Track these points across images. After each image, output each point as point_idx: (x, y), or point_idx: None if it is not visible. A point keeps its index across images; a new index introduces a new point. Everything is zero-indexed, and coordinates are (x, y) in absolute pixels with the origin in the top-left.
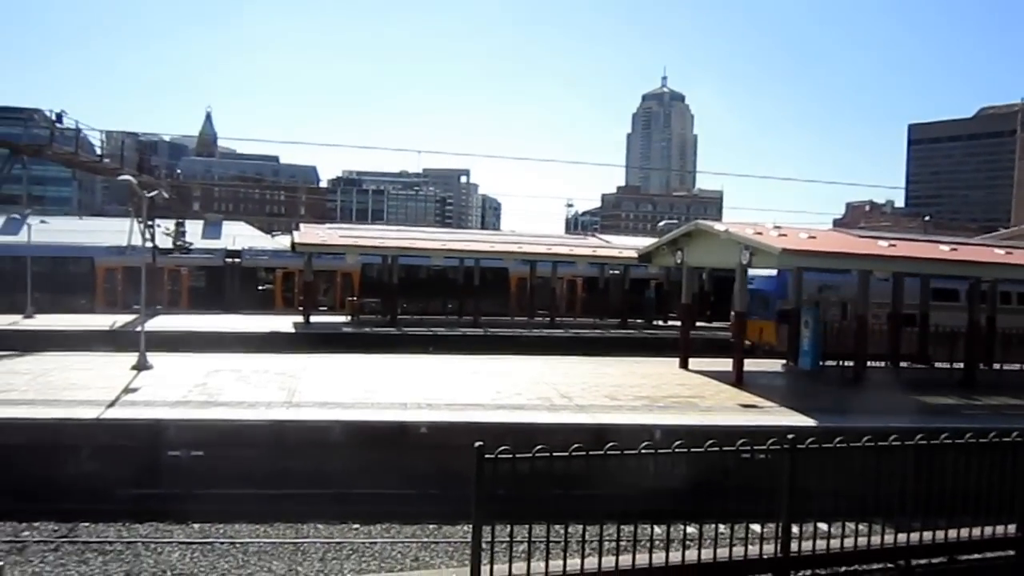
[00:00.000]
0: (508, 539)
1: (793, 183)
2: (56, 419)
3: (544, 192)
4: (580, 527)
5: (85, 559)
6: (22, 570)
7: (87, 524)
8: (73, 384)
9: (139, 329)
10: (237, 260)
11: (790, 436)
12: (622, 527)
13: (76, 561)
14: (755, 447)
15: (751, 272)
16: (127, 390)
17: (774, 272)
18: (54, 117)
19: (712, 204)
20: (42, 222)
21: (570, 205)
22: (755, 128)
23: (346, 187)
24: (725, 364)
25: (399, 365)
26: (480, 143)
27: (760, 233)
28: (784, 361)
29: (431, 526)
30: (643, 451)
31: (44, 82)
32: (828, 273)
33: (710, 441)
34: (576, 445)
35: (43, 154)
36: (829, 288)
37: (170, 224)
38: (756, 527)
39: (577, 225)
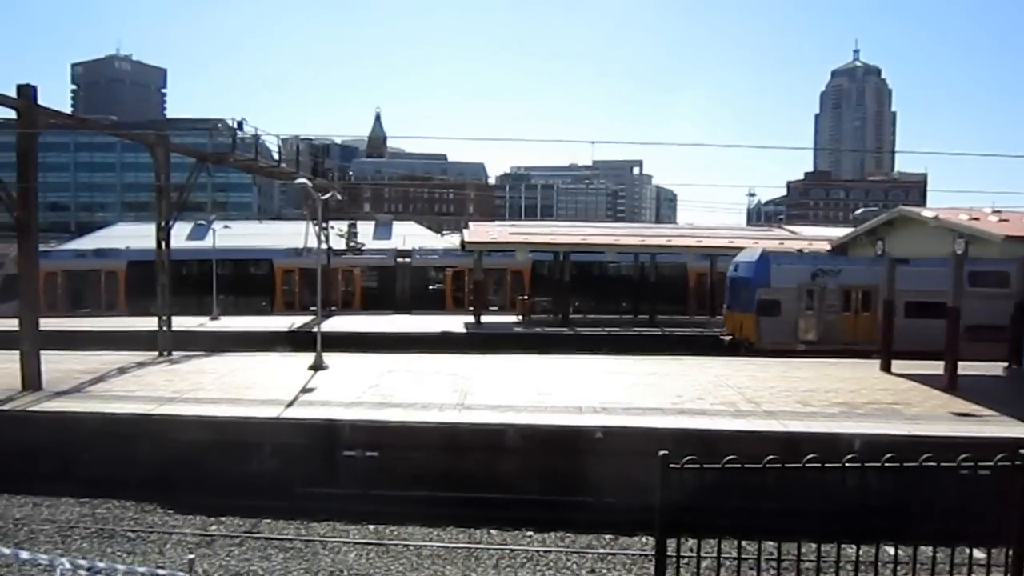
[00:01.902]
0: (694, 553)
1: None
2: (240, 417)
3: (722, 181)
4: (774, 544)
5: (267, 555)
6: (210, 563)
7: (269, 520)
8: (255, 384)
9: (315, 330)
10: (408, 260)
11: (1022, 451)
12: (822, 546)
13: (259, 556)
14: (979, 463)
15: (737, 258)
16: (304, 390)
17: (755, 256)
18: (235, 126)
19: (914, 188)
20: (225, 227)
21: (752, 194)
22: (962, 100)
23: (514, 183)
24: (934, 368)
25: (572, 367)
26: (653, 132)
27: (976, 219)
28: (1006, 364)
29: (608, 536)
30: (847, 464)
31: (222, 92)
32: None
33: (925, 455)
34: (769, 457)
35: (226, 161)
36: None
37: (343, 225)
38: (979, 553)
39: (760, 216)
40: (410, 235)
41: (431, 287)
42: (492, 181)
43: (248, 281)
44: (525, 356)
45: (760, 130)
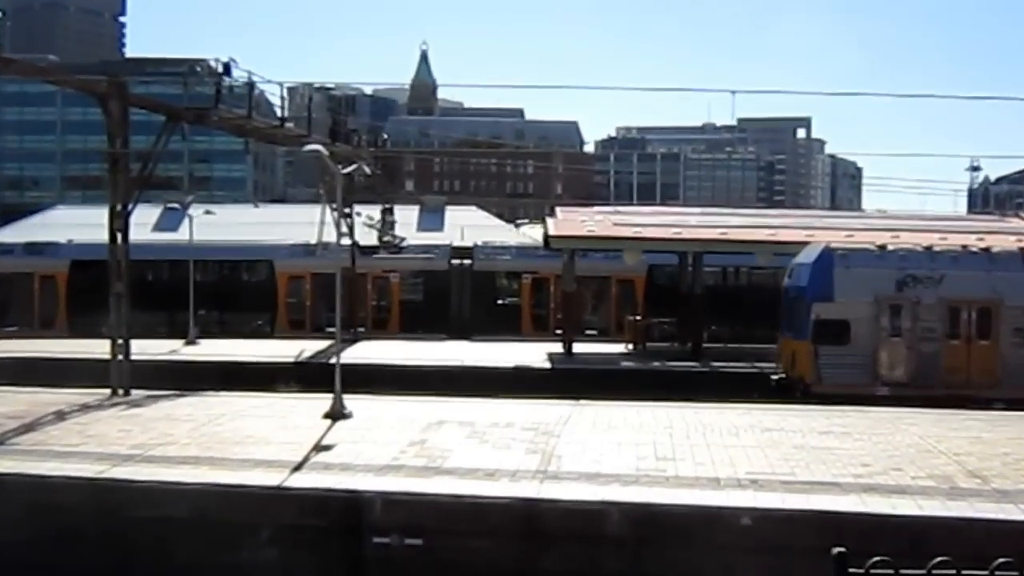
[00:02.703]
0: None
1: None
2: (226, 486)
3: (929, 148)
4: None
5: None
6: None
7: None
8: (248, 437)
9: (334, 361)
10: (467, 262)
11: None
12: None
13: None
14: None
15: (796, 259)
16: (318, 448)
17: (813, 256)
18: (221, 69)
19: None
20: (207, 212)
21: (975, 168)
22: None
23: (622, 151)
24: None
25: (706, 420)
26: (823, 79)
27: None
28: None
29: None
30: None
31: (203, 21)
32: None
33: None
34: (1002, 560)
35: (208, 120)
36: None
37: (375, 212)
38: None
39: (988, 199)
40: (471, 225)
41: (501, 301)
42: (590, 148)
43: (239, 290)
44: (637, 404)
45: (981, 82)
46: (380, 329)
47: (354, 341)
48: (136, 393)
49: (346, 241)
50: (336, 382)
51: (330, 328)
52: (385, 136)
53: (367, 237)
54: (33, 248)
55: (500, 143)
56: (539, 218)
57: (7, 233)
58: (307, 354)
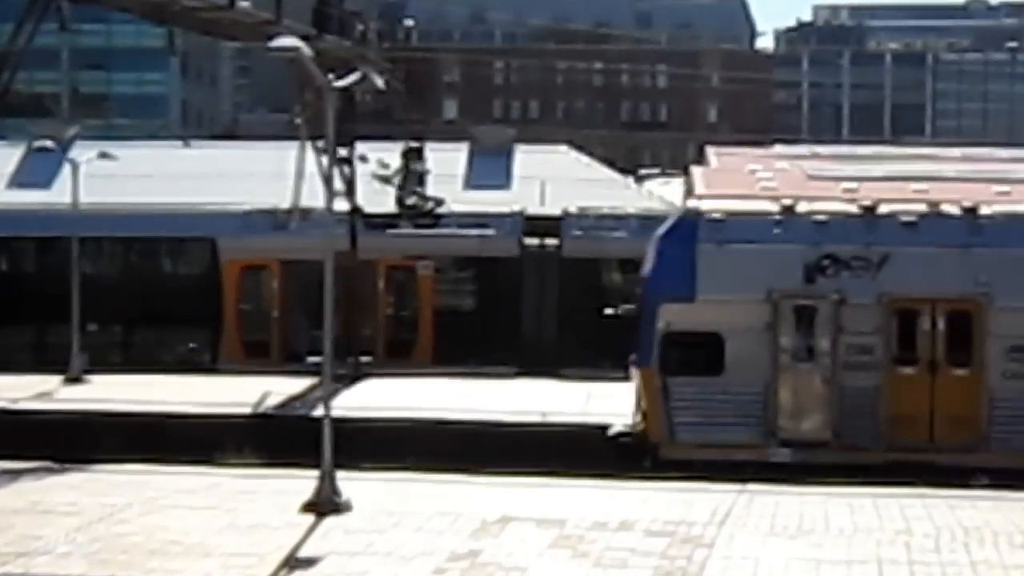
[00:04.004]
0: None
1: None
2: None
3: None
4: None
5: None
6: None
7: None
8: (171, 544)
9: (319, 414)
10: (553, 242)
11: None
12: None
13: None
14: None
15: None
16: (291, 565)
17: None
18: None
19: None
20: (102, 156)
21: None
22: None
23: (823, 46)
24: None
25: (969, 520)
26: None
27: None
28: None
29: None
30: None
31: None
32: None
33: None
34: None
35: None
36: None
37: (391, 154)
38: None
39: None
40: (558, 178)
41: (611, 310)
42: (766, 43)
43: (158, 291)
44: (845, 489)
45: None
46: (400, 357)
47: (355, 379)
48: None
49: (341, 205)
50: (324, 450)
51: (313, 356)
52: (409, 22)
53: (378, 199)
54: None
55: (609, 33)
56: (677, 166)
57: None
58: (273, 401)
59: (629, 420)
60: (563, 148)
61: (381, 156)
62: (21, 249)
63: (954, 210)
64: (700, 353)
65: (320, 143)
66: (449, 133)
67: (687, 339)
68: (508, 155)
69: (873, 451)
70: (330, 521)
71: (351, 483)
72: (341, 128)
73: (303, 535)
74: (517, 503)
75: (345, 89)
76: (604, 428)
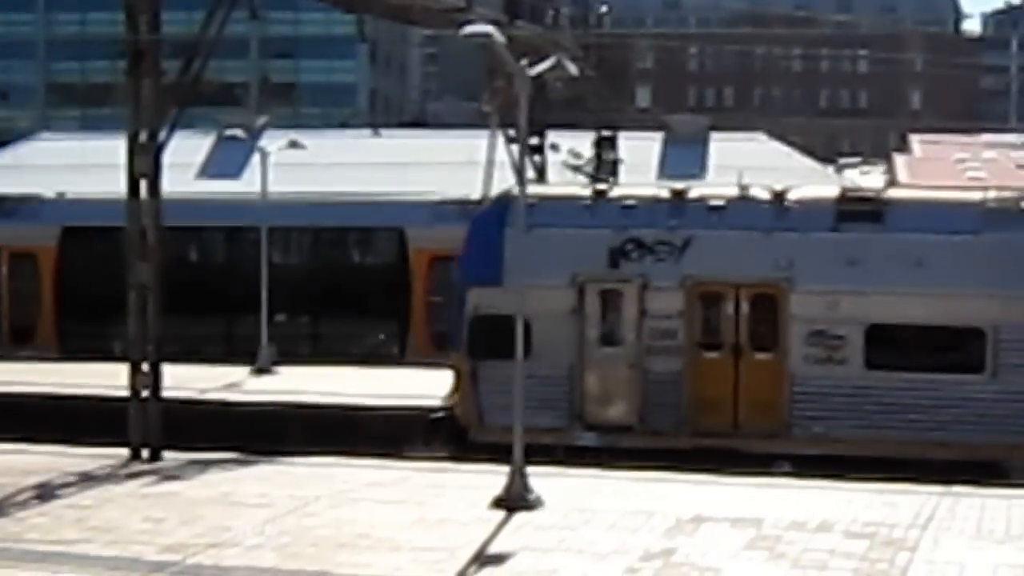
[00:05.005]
0: None
1: None
2: None
3: None
4: None
5: None
6: None
7: None
8: (361, 537)
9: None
10: None
11: None
12: None
13: None
14: None
15: None
16: (481, 559)
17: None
18: None
19: None
20: (291, 145)
21: None
22: None
23: None
24: None
25: None
26: None
27: None
28: None
29: None
30: None
31: None
32: None
33: None
34: None
35: None
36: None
37: (583, 143)
38: None
39: None
40: (755, 168)
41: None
42: (973, 26)
43: (346, 282)
44: None
45: None
46: None
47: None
48: (170, 456)
49: (535, 189)
50: (515, 445)
51: None
52: (603, 9)
53: (572, 186)
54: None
55: (809, 17)
56: (878, 154)
57: None
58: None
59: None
60: (760, 136)
61: (573, 145)
62: (210, 238)
63: (762, 194)
64: (507, 337)
65: (511, 131)
66: (642, 121)
67: (495, 323)
68: (703, 144)
69: (678, 436)
70: (520, 517)
71: (542, 479)
72: (532, 116)
73: (493, 530)
74: (711, 502)
75: (537, 76)
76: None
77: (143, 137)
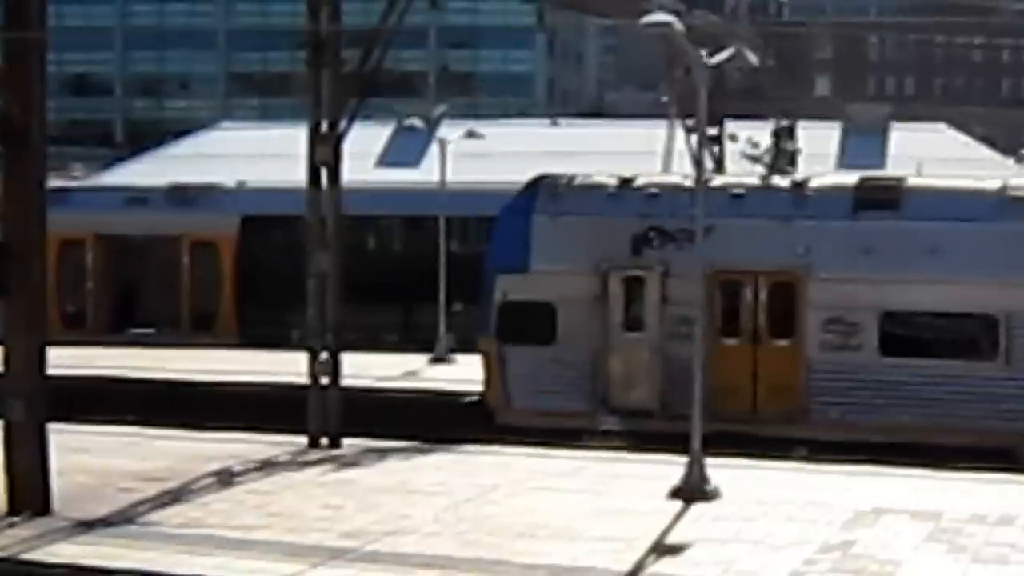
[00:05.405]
0: None
1: None
2: None
3: None
4: None
5: None
6: None
7: None
8: (538, 527)
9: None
10: None
11: None
12: None
13: None
14: None
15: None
16: (658, 550)
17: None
18: None
19: None
20: (470, 135)
21: None
22: None
23: None
24: None
25: None
26: None
27: None
28: None
29: None
30: None
31: None
32: None
33: None
34: None
35: None
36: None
37: (762, 133)
38: None
39: None
40: (934, 159)
41: None
42: None
43: None
44: None
45: None
46: None
47: None
48: (349, 444)
49: (715, 180)
50: (693, 435)
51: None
52: None
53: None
54: (181, 195)
55: (993, 6)
56: None
57: (138, 169)
58: None
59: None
60: (941, 126)
61: (751, 135)
62: (389, 228)
63: (782, 182)
64: (534, 323)
65: (689, 121)
66: (821, 111)
67: (522, 309)
68: (883, 134)
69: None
70: (698, 508)
71: (719, 470)
72: (711, 106)
73: (671, 521)
74: (889, 494)
75: (716, 66)
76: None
77: (324, 127)
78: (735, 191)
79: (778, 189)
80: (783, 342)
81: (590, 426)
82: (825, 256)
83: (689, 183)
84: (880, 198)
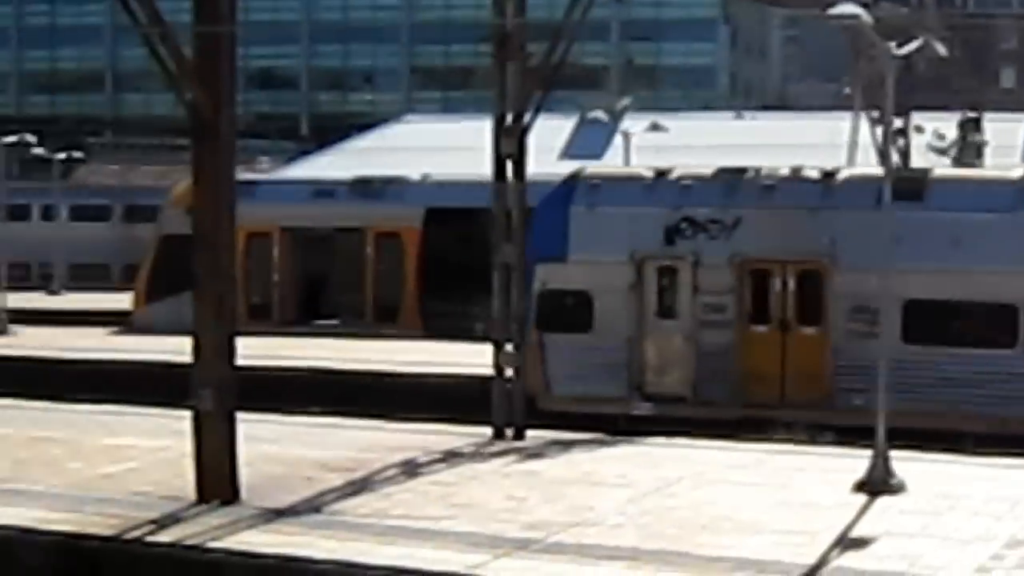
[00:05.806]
0: None
1: None
2: None
3: None
4: None
5: None
6: None
7: None
8: (722, 519)
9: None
10: None
11: None
12: None
13: None
14: None
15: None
16: (843, 543)
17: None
18: None
19: None
20: (653, 128)
21: None
22: None
23: None
24: None
25: None
26: None
27: None
28: None
29: None
30: None
31: None
32: None
33: None
34: None
35: None
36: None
37: (948, 125)
38: None
39: None
40: None
41: None
42: None
43: None
44: None
45: None
46: None
47: None
48: (533, 436)
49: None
50: (878, 428)
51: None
52: None
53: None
54: (365, 188)
55: None
56: None
57: (323, 162)
58: None
59: None
60: None
61: (937, 126)
62: None
63: (812, 173)
64: (572, 311)
65: (874, 113)
66: (1007, 103)
67: (561, 297)
68: None
69: (728, 407)
70: (883, 501)
71: (904, 463)
72: (897, 97)
73: (855, 515)
74: None
75: (904, 57)
76: None
77: (508, 119)
78: (765, 182)
79: (806, 180)
80: (811, 330)
81: (625, 412)
82: (850, 246)
83: (717, 172)
84: (904, 189)
